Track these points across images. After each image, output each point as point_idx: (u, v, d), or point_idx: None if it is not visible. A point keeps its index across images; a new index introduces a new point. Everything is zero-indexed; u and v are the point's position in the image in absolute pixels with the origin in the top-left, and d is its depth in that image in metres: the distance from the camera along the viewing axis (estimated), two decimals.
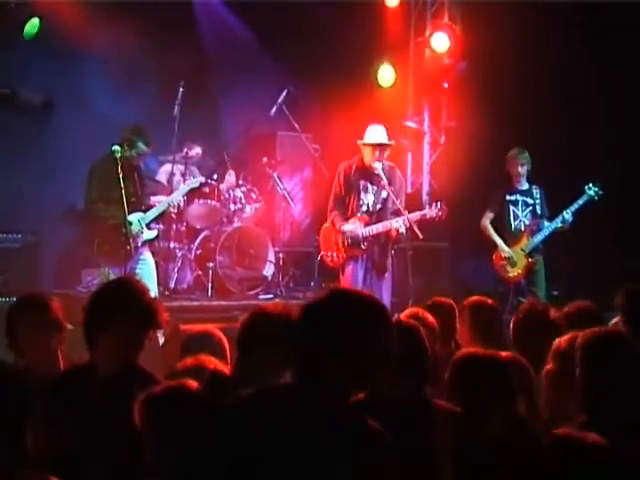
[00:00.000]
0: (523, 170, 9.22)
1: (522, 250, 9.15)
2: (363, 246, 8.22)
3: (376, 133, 8.28)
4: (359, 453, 2.72)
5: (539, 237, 9.14)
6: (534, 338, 4.67)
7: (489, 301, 5.60)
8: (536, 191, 9.27)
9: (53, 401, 3.50)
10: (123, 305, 3.70)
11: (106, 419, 3.36)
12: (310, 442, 2.72)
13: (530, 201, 9.25)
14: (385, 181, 8.15)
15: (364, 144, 8.26)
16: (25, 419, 2.85)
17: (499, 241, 9.26)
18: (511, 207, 9.28)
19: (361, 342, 2.81)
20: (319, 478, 2.71)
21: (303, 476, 2.71)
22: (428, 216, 8.41)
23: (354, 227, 8.22)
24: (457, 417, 3.56)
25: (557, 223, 9.06)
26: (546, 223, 9.11)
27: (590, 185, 8.98)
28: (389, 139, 8.33)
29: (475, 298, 5.59)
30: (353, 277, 8.25)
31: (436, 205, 8.36)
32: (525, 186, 9.31)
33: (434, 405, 3.61)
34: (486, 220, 9.35)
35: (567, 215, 9.01)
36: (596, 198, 8.99)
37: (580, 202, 9.00)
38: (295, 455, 2.71)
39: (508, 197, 9.30)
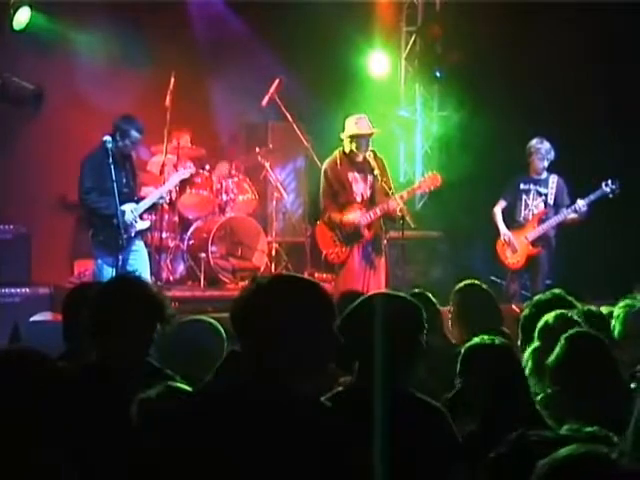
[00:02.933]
0: (544, 163, 9.15)
1: (525, 238, 9.12)
2: (365, 233, 8.21)
3: (360, 124, 8.23)
4: (324, 440, 2.72)
5: (544, 226, 9.10)
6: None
7: (478, 284, 5.61)
8: (552, 180, 9.21)
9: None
10: (128, 302, 3.67)
11: (119, 416, 3.31)
12: (272, 437, 2.69)
13: (544, 190, 9.20)
14: (377, 170, 8.13)
15: (350, 136, 8.21)
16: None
17: (502, 226, 9.24)
18: (523, 196, 9.25)
19: (305, 331, 2.78)
20: (289, 471, 2.69)
21: (273, 472, 2.68)
22: (422, 187, 8.46)
23: (355, 215, 8.20)
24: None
25: (567, 213, 9.01)
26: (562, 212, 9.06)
27: (608, 182, 8.94)
28: (372, 126, 8.30)
29: (465, 282, 5.61)
30: (353, 268, 8.25)
31: (428, 175, 8.41)
32: (543, 175, 9.26)
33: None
34: (497, 207, 9.34)
35: (580, 204, 8.95)
36: (611, 196, 8.94)
37: (592, 197, 8.96)
38: (260, 453, 2.67)
39: (522, 186, 9.28)
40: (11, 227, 9.27)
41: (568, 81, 10.20)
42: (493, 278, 9.48)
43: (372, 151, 8.29)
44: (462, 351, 3.78)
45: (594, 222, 9.24)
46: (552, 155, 9.15)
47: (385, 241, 8.52)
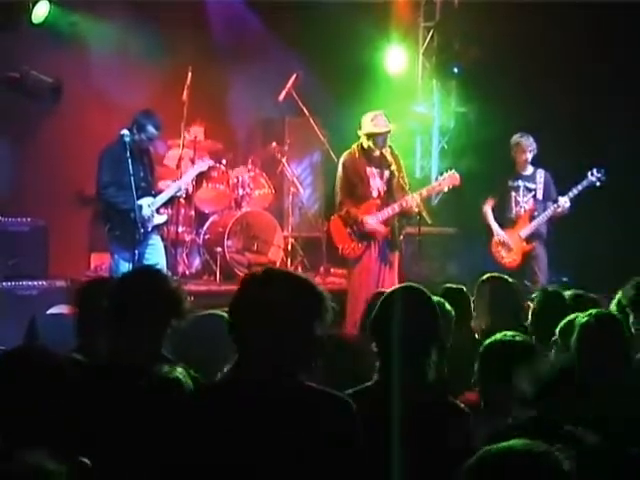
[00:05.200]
0: (526, 156, 9.11)
1: (519, 235, 9.09)
2: (381, 230, 8.22)
3: (377, 121, 8.22)
4: (330, 424, 2.76)
5: (536, 222, 9.07)
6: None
7: (508, 278, 5.66)
8: (540, 175, 9.18)
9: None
10: (146, 295, 3.68)
11: (132, 410, 3.33)
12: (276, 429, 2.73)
13: (532, 186, 9.16)
14: (394, 166, 8.15)
15: (368, 134, 8.21)
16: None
17: (495, 226, 9.21)
18: (513, 193, 9.20)
19: (293, 326, 2.82)
20: (297, 460, 2.72)
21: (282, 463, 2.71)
22: (442, 186, 8.46)
23: (374, 220, 8.20)
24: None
25: (554, 209, 8.98)
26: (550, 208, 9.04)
27: (594, 171, 8.89)
28: (389, 122, 8.29)
29: (492, 274, 5.63)
30: (369, 264, 8.25)
31: (447, 174, 8.41)
32: (529, 171, 9.22)
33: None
34: (487, 206, 9.30)
35: (562, 201, 8.93)
36: (598, 184, 8.89)
37: (580, 187, 8.91)
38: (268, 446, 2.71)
39: (510, 183, 9.22)
40: (28, 220, 9.29)
41: (585, 79, 10.17)
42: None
43: (389, 147, 8.30)
44: (483, 349, 3.76)
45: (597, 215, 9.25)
46: (534, 148, 9.09)
47: (401, 237, 8.52)
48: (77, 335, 4.28)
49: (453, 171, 8.49)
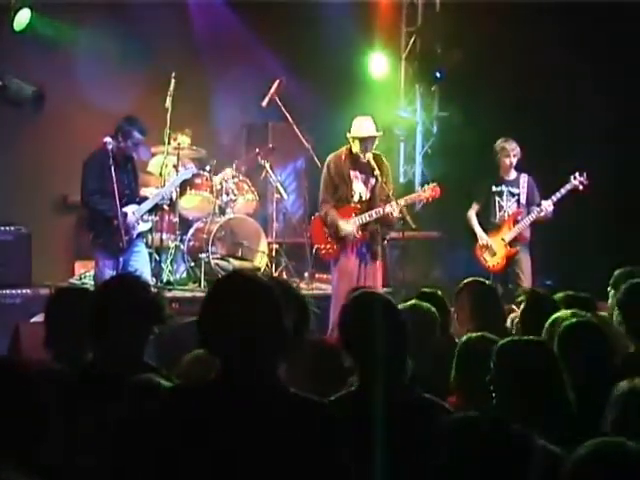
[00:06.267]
0: (510, 160, 9.13)
1: (502, 239, 9.11)
2: (357, 235, 8.24)
3: (364, 125, 8.28)
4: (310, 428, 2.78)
5: (519, 226, 9.10)
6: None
7: (486, 282, 5.67)
8: (523, 180, 9.21)
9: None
10: (127, 302, 3.69)
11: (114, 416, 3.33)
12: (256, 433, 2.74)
13: (516, 191, 9.19)
14: (378, 171, 8.17)
15: (353, 137, 8.26)
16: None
17: (478, 230, 9.24)
18: (496, 198, 9.23)
19: (252, 324, 2.83)
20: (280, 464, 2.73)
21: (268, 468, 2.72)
22: (422, 197, 8.49)
23: (350, 226, 8.22)
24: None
25: (537, 213, 9.01)
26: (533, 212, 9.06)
27: (576, 175, 8.92)
28: (377, 129, 8.34)
29: (472, 279, 5.63)
30: (347, 267, 8.26)
31: (428, 186, 8.44)
32: (512, 176, 9.25)
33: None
34: (471, 211, 9.32)
35: (545, 205, 8.95)
36: (581, 188, 8.91)
37: (563, 191, 8.94)
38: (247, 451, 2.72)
39: (494, 188, 9.24)
40: (12, 228, 9.29)
41: (568, 81, 10.21)
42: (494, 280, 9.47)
43: (378, 155, 8.34)
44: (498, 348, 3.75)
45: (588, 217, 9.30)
46: (518, 152, 9.12)
47: (385, 242, 8.54)
48: (50, 344, 4.23)
49: (435, 184, 8.53)
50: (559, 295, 5.46)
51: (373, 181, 8.32)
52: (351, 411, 3.22)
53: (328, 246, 8.36)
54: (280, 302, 2.90)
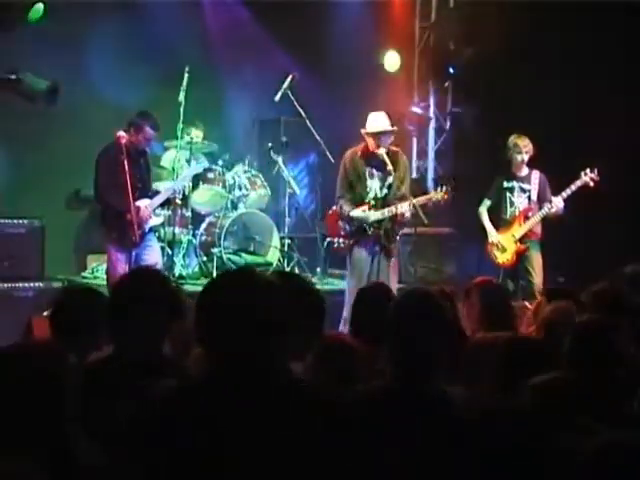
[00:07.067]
0: (522, 157, 9.11)
1: (513, 236, 9.09)
2: (369, 232, 8.23)
3: (378, 121, 8.27)
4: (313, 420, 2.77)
5: (530, 222, 9.08)
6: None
7: (496, 282, 5.65)
8: (535, 176, 9.18)
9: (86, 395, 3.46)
10: (147, 296, 3.69)
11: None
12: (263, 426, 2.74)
13: (527, 187, 9.16)
14: (390, 167, 8.15)
15: (367, 133, 8.26)
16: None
17: (489, 227, 9.22)
18: (508, 194, 9.20)
19: (250, 315, 2.81)
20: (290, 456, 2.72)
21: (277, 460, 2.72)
22: (434, 199, 8.45)
23: (364, 214, 8.22)
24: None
25: (548, 209, 8.98)
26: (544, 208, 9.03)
27: (587, 171, 8.89)
28: (392, 125, 8.33)
29: (482, 279, 5.62)
30: (360, 262, 8.25)
31: (441, 188, 8.40)
32: (524, 172, 9.22)
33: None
34: (482, 207, 9.30)
35: (556, 201, 8.93)
36: (592, 184, 8.87)
37: (573, 187, 8.91)
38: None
39: (506, 184, 9.21)
40: (25, 221, 9.31)
41: (582, 79, 10.17)
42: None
43: (396, 151, 8.33)
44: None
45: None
46: (530, 149, 9.07)
47: (396, 242, 8.53)
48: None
49: (449, 187, 8.45)
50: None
51: (390, 179, 8.29)
52: (381, 406, 3.20)
53: (341, 240, 8.36)
54: (283, 298, 2.90)
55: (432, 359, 3.25)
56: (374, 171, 8.32)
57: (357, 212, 8.24)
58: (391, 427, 3.10)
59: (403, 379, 3.26)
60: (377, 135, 8.20)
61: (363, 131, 8.28)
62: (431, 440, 3.10)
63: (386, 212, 8.19)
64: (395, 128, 8.38)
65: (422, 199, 8.34)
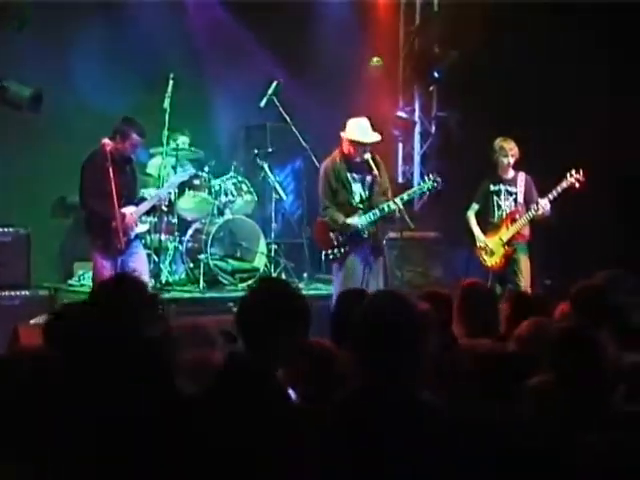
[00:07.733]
0: (508, 160, 9.11)
1: (500, 239, 9.10)
2: (365, 234, 8.22)
3: (365, 130, 8.23)
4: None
5: (517, 225, 9.09)
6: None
7: (481, 284, 5.65)
8: (521, 178, 9.18)
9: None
10: (123, 301, 3.69)
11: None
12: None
13: (513, 190, 9.16)
14: (376, 171, 8.16)
15: (354, 141, 8.21)
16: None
17: (476, 231, 9.23)
18: (494, 197, 9.20)
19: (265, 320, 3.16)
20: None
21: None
22: (425, 189, 8.46)
23: (359, 219, 8.21)
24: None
25: (534, 211, 8.99)
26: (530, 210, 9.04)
27: (572, 172, 8.90)
28: (373, 129, 8.30)
29: (468, 282, 5.62)
30: (355, 270, 8.22)
31: (429, 177, 8.42)
32: (510, 175, 9.23)
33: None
34: (470, 212, 9.31)
35: (542, 203, 8.93)
36: (577, 185, 8.87)
37: (559, 189, 8.91)
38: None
39: (492, 187, 9.22)
40: (10, 229, 9.27)
41: (568, 81, 10.21)
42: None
43: (371, 152, 8.31)
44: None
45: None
46: (516, 151, 9.08)
47: (384, 241, 8.53)
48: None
49: (436, 174, 8.49)
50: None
51: (370, 179, 8.30)
52: (355, 413, 3.21)
53: (336, 250, 8.31)
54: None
55: (399, 362, 3.22)
56: (355, 175, 8.31)
57: (353, 219, 8.22)
58: (355, 431, 3.12)
59: (367, 381, 3.26)
60: (362, 145, 8.18)
61: (348, 137, 8.23)
62: (394, 446, 3.11)
63: (377, 212, 8.19)
64: (380, 139, 8.35)
65: (411, 191, 8.50)
